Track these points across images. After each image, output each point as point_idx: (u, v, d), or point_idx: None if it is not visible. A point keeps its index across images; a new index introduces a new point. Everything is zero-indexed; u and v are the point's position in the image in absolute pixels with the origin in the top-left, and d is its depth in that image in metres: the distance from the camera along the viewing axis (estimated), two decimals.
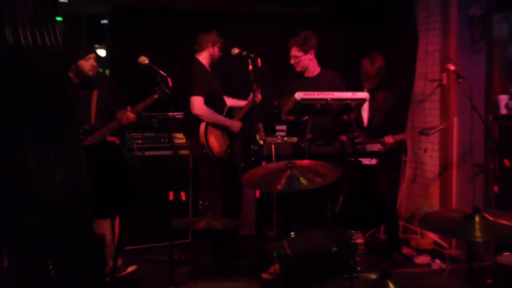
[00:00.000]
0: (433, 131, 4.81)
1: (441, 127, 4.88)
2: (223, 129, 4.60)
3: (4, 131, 1.26)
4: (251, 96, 4.58)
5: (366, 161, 4.79)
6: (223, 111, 4.65)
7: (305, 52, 4.54)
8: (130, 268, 4.21)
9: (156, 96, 4.14)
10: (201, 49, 4.68)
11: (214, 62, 4.72)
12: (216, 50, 4.71)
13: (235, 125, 4.66)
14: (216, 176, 4.61)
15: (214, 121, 4.52)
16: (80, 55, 4.12)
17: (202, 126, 4.49)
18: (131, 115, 4.10)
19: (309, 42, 4.54)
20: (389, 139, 4.58)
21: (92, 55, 4.16)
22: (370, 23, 5.78)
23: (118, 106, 4.20)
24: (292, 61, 4.60)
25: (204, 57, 4.66)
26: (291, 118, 4.44)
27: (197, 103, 4.42)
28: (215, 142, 4.53)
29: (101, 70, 4.94)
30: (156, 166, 4.88)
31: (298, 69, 4.62)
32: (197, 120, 4.46)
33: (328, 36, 4.66)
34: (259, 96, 4.60)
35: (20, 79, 1.31)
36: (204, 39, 4.67)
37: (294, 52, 4.56)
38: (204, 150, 4.47)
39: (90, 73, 4.11)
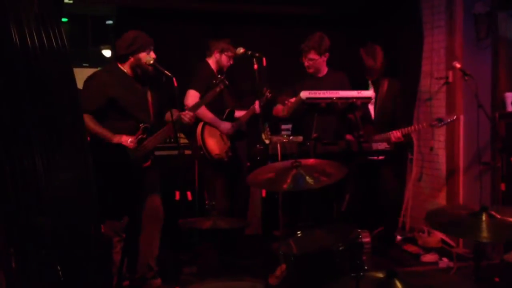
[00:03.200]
0: (443, 123, 4.78)
1: (451, 118, 4.82)
2: None
3: (11, 132, 1.27)
4: (254, 104, 4.58)
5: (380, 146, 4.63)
6: (223, 114, 4.64)
7: (321, 55, 4.51)
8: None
9: (218, 89, 4.09)
10: (209, 55, 4.72)
11: (222, 70, 4.71)
12: (223, 58, 4.69)
13: (224, 126, 4.59)
14: (218, 178, 4.60)
15: (203, 117, 4.49)
16: (143, 47, 3.77)
17: (199, 127, 4.49)
18: (189, 114, 3.87)
19: (324, 45, 4.50)
20: (397, 133, 4.60)
21: (152, 46, 3.83)
22: (374, 22, 5.76)
23: (171, 104, 3.81)
24: (306, 64, 4.55)
25: (212, 62, 4.70)
26: (281, 113, 4.44)
27: (191, 96, 4.44)
28: (213, 143, 4.51)
29: None
30: (162, 166, 4.88)
31: (311, 71, 4.59)
32: (196, 121, 4.45)
33: (331, 36, 4.63)
34: (256, 107, 4.58)
35: (26, 81, 1.31)
36: (214, 45, 4.68)
37: (311, 55, 4.50)
38: (201, 152, 4.45)
39: (152, 63, 3.70)
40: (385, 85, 4.97)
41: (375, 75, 5.01)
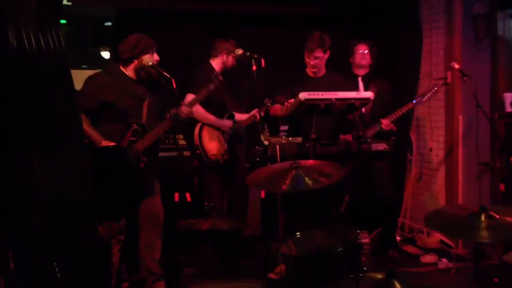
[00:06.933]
0: (426, 97, 4.82)
1: (433, 90, 4.85)
2: (221, 132, 4.57)
3: (8, 135, 1.27)
4: (253, 111, 4.57)
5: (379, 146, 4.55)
6: (222, 117, 4.62)
7: (325, 52, 4.51)
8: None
9: (213, 86, 4.10)
10: (215, 55, 4.69)
11: (226, 70, 4.70)
12: (230, 59, 4.68)
13: (224, 124, 4.56)
14: (215, 179, 4.59)
15: (203, 119, 4.49)
16: (146, 49, 3.80)
17: (197, 127, 4.49)
18: (186, 109, 3.86)
19: (327, 42, 4.50)
20: (385, 121, 4.63)
21: (155, 48, 3.86)
22: (373, 23, 5.76)
23: (170, 105, 3.87)
24: (312, 63, 4.52)
25: (217, 63, 4.66)
26: (279, 113, 4.43)
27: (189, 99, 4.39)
28: (210, 144, 4.50)
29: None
30: (161, 167, 4.88)
31: (315, 70, 4.57)
32: (194, 120, 4.45)
33: (330, 36, 4.62)
34: (257, 115, 4.56)
35: (23, 83, 1.31)
36: (221, 46, 4.66)
37: (317, 53, 4.48)
38: (198, 151, 4.45)
39: (153, 70, 3.78)
40: (375, 85, 4.95)
41: (366, 70, 4.99)
